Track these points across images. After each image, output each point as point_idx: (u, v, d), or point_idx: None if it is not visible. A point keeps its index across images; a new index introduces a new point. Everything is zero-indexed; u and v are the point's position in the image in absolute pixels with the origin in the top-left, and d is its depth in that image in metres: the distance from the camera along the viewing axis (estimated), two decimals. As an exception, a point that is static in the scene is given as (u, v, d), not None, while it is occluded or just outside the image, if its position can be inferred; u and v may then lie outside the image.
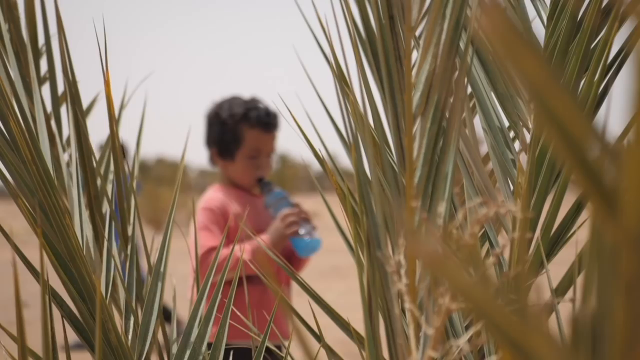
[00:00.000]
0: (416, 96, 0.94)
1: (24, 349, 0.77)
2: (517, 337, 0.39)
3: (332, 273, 12.14)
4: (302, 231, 3.15)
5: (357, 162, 0.90)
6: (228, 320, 1.23)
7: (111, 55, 1.29)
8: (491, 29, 0.34)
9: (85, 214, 1.22)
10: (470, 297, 0.39)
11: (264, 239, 3.07)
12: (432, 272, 0.74)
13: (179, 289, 1.33)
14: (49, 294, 0.84)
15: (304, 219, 3.14)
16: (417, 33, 1.14)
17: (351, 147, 0.96)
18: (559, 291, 1.19)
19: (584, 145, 0.40)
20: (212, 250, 3.02)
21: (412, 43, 0.98)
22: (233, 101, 3.29)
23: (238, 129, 3.22)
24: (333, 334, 1.89)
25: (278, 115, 3.30)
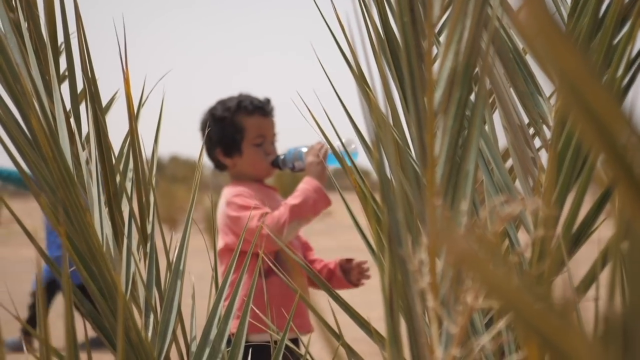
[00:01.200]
0: (438, 94, 0.94)
1: (48, 348, 0.77)
2: (552, 334, 0.38)
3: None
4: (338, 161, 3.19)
5: (379, 161, 0.90)
6: (248, 316, 1.23)
7: (129, 53, 1.29)
8: (531, 21, 0.34)
9: (105, 211, 1.22)
10: (503, 294, 0.38)
11: (311, 182, 3.07)
12: (461, 270, 0.73)
13: (197, 287, 1.33)
14: (70, 292, 0.84)
15: (322, 151, 3.12)
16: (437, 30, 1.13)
17: (372, 146, 0.96)
18: (580, 290, 1.18)
19: (618, 137, 0.40)
20: (264, 215, 3.01)
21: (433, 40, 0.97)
22: (223, 100, 3.30)
23: (237, 119, 3.22)
24: (351, 333, 1.89)
25: (272, 101, 3.31)
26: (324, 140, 1.42)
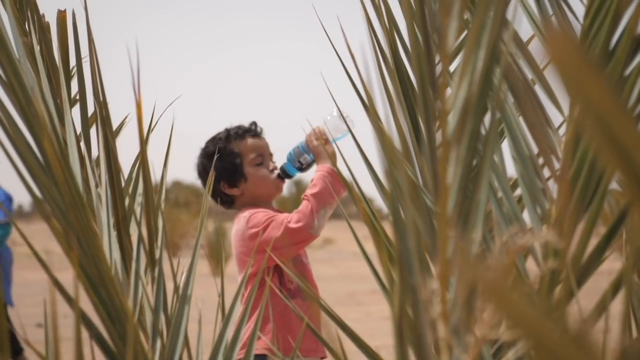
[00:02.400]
0: (451, 123, 0.94)
1: (58, 371, 0.77)
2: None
3: (348, 300, 12.09)
4: (337, 133, 3.14)
5: (391, 190, 0.90)
6: (255, 341, 1.22)
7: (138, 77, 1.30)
8: (559, 55, 0.34)
9: (114, 235, 1.22)
10: (523, 321, 0.38)
11: (324, 167, 3.07)
12: (477, 298, 0.73)
13: (200, 313, 1.33)
14: (79, 316, 0.84)
15: (319, 132, 3.13)
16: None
17: (385, 175, 0.96)
18: (590, 321, 1.18)
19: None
20: (290, 219, 2.98)
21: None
22: (211, 137, 3.33)
23: (231, 147, 3.24)
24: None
25: (258, 124, 3.34)
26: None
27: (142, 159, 1.26)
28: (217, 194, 3.26)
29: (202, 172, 3.32)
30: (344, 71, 1.49)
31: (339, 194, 3.06)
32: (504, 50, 1.08)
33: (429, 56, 0.92)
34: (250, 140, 3.25)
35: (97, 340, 1.05)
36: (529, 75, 1.41)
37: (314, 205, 3.00)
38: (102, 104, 1.28)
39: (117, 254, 1.22)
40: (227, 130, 3.29)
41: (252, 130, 3.28)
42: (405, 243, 0.92)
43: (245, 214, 3.12)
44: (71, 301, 0.95)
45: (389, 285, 1.01)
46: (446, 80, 0.93)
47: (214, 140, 3.29)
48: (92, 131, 1.48)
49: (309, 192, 3.07)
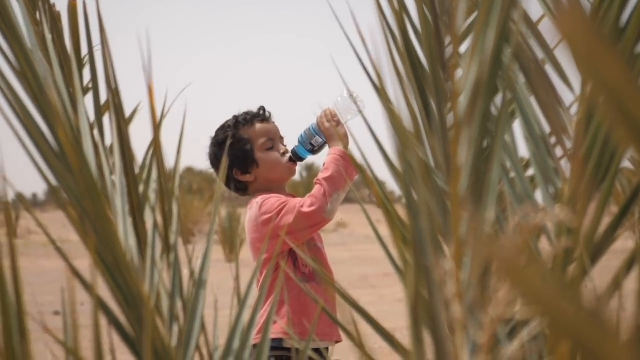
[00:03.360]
0: (461, 104, 0.95)
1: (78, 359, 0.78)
2: (589, 337, 0.39)
3: (361, 282, 12.12)
4: (347, 114, 3.12)
5: (404, 171, 0.91)
6: (270, 326, 1.23)
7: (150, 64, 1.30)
8: (570, 30, 0.35)
9: (129, 221, 1.24)
10: (541, 298, 0.39)
11: (336, 149, 3.07)
12: (494, 276, 0.74)
13: (214, 298, 1.34)
14: (97, 303, 0.85)
15: (330, 114, 3.12)
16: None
17: (395, 158, 0.97)
18: (603, 299, 1.18)
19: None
20: (303, 203, 2.97)
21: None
22: (220, 126, 3.31)
23: (240, 133, 3.23)
24: (369, 344, 1.88)
25: (266, 108, 3.31)
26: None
27: (155, 145, 1.26)
28: (230, 181, 3.27)
29: (214, 161, 3.32)
30: (353, 53, 1.49)
31: (351, 177, 3.05)
32: (514, 30, 1.08)
33: (439, 37, 0.93)
34: (258, 125, 3.25)
35: (115, 326, 1.07)
36: (539, 54, 1.41)
37: (327, 189, 3.00)
38: (114, 92, 1.29)
39: (132, 240, 1.23)
40: (235, 117, 3.28)
41: (260, 115, 3.28)
42: (418, 224, 0.93)
43: (257, 199, 3.12)
44: (88, 288, 0.96)
45: (402, 266, 1.02)
46: (456, 61, 0.93)
47: (222, 128, 3.29)
48: (104, 119, 1.49)
49: (321, 175, 3.07)
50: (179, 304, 1.24)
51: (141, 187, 1.33)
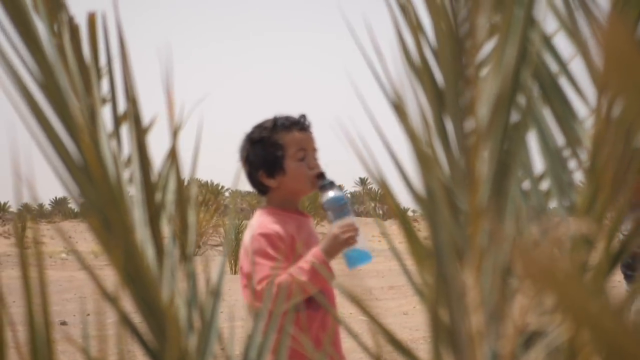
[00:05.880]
0: (482, 117, 0.96)
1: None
2: (631, 349, 0.40)
3: (366, 296, 12.08)
4: (359, 244, 3.02)
5: (425, 183, 0.91)
6: (287, 349, 1.24)
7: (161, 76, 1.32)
8: (610, 46, 0.35)
9: (147, 231, 1.24)
10: (583, 310, 0.40)
11: (317, 252, 3.00)
12: (538, 288, 0.75)
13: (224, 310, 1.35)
14: (121, 315, 0.85)
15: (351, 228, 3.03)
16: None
17: (417, 167, 0.98)
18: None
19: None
20: (273, 281, 2.92)
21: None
22: (259, 123, 3.26)
23: (276, 137, 3.17)
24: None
25: (307, 117, 3.25)
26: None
27: (172, 156, 1.28)
28: (255, 180, 3.24)
29: (246, 158, 3.27)
30: (368, 68, 1.50)
31: (316, 284, 2.98)
32: (532, 49, 1.09)
33: (460, 47, 0.94)
34: (295, 134, 3.17)
35: (136, 336, 1.07)
36: (554, 68, 1.42)
37: (291, 286, 2.92)
38: (133, 104, 1.30)
39: (151, 251, 1.24)
40: (275, 120, 3.21)
41: (300, 124, 3.21)
42: (439, 238, 0.93)
43: (255, 229, 3.08)
44: (112, 300, 0.97)
45: (422, 282, 1.02)
46: (475, 79, 0.94)
47: (259, 128, 3.22)
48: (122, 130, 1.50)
49: (294, 271, 2.97)
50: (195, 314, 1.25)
51: (158, 197, 1.34)
